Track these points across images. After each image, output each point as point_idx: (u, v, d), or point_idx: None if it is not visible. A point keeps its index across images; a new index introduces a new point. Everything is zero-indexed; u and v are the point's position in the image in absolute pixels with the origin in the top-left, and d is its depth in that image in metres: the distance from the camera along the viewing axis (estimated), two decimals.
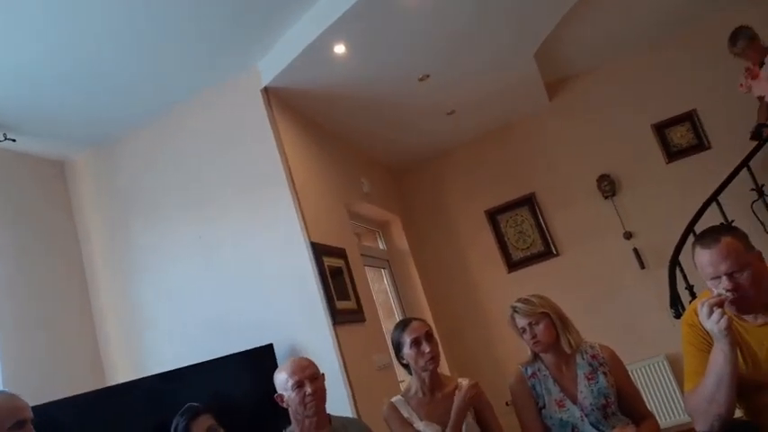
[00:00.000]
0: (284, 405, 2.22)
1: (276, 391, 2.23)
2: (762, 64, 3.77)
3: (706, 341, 1.91)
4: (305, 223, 3.20)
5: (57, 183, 3.65)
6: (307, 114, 3.82)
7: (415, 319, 2.47)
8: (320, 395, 2.22)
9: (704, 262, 1.80)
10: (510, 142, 5.12)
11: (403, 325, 2.42)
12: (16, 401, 1.77)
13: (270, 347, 2.97)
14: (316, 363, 2.35)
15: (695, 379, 1.90)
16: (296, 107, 3.68)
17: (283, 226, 3.20)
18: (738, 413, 1.97)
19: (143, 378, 2.92)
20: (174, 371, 2.87)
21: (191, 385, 2.77)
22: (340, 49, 3.23)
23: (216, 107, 3.42)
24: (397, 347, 2.42)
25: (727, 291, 1.74)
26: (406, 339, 2.35)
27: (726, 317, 1.72)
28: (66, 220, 3.60)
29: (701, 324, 1.95)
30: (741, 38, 3.77)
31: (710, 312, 1.73)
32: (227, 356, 2.93)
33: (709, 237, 1.83)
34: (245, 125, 3.35)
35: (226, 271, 3.26)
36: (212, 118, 3.43)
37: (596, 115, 4.87)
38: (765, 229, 3.90)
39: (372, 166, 4.87)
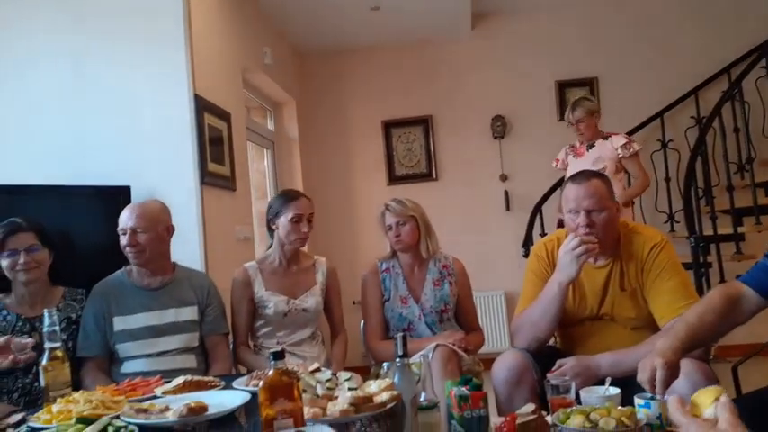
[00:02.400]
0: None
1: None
2: (591, 146, 3.69)
3: (546, 273, 2.07)
4: (193, 72, 2.96)
5: None
6: None
7: (305, 196, 2.43)
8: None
9: (570, 195, 1.93)
10: (423, 59, 5.06)
11: (291, 196, 2.39)
12: None
13: (127, 190, 2.78)
14: (174, 218, 2.29)
15: (528, 303, 2.07)
16: None
17: (169, 68, 2.93)
18: (552, 341, 2.20)
19: None
20: (16, 186, 2.61)
21: (30, 206, 2.52)
22: None
23: None
24: (276, 213, 2.37)
25: (583, 226, 1.88)
26: (290, 212, 2.33)
27: (585, 255, 1.86)
28: None
29: (546, 257, 2.11)
30: (581, 107, 3.64)
31: (578, 245, 1.85)
32: (78, 186, 2.71)
33: (581, 175, 1.98)
34: None
35: (95, 98, 2.95)
36: None
37: (509, 57, 4.94)
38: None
39: (279, 40, 4.59)
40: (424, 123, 5.06)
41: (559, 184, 4.18)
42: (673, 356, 1.45)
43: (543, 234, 4.12)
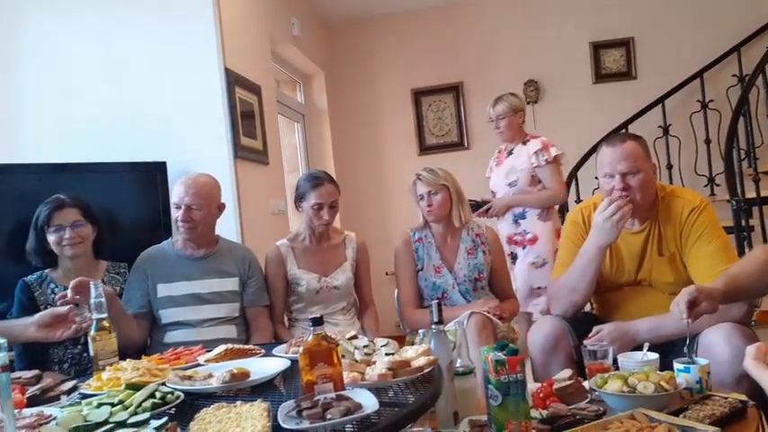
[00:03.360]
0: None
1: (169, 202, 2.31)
2: (510, 152, 3.30)
3: (583, 239, 2.04)
4: (223, 45, 2.98)
5: None
6: None
7: (330, 181, 2.41)
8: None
9: (605, 159, 1.90)
10: (451, 24, 4.96)
11: (315, 182, 2.38)
12: None
13: (163, 165, 2.83)
14: None
15: (564, 269, 2.05)
16: None
17: (198, 42, 2.95)
18: (588, 308, 2.19)
19: (19, 164, 2.69)
20: (56, 164, 2.69)
21: (71, 183, 2.58)
22: None
23: None
24: (301, 196, 2.41)
25: (618, 189, 1.85)
26: (312, 199, 2.35)
27: (622, 219, 1.83)
28: None
29: (582, 223, 2.08)
30: (504, 101, 3.24)
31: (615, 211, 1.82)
32: (116, 163, 2.77)
33: (615, 137, 1.95)
34: None
35: (127, 74, 2.99)
36: None
37: (542, 18, 4.80)
38: (659, 166, 4.16)
39: (307, 10, 4.56)
40: (455, 91, 4.98)
41: (594, 149, 4.09)
42: (708, 290, 1.53)
43: (578, 200, 4.06)
